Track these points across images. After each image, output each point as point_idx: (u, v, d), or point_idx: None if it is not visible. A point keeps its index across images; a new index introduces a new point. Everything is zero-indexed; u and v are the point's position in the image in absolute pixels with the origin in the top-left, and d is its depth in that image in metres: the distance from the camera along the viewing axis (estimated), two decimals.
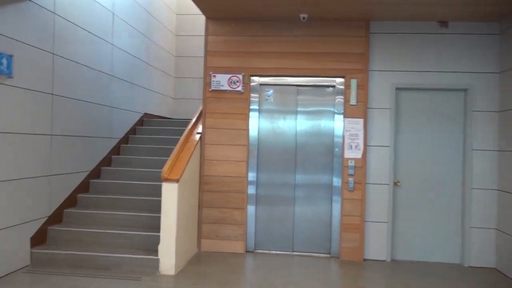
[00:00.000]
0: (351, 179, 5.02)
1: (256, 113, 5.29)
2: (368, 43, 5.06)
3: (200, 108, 5.53)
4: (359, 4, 4.51)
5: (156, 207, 5.18)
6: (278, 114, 5.32)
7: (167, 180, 4.36)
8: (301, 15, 4.94)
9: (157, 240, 4.57)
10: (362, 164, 5.02)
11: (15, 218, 4.25)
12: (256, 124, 5.29)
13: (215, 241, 5.21)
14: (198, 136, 5.24)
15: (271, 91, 5.32)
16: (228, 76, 5.23)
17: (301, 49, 5.15)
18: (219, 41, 5.27)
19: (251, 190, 5.24)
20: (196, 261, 4.83)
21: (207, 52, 5.30)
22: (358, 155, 5.03)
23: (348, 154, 5.05)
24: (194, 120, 5.47)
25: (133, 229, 4.89)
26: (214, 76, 5.25)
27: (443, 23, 5.00)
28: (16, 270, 4.29)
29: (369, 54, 5.08)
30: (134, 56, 6.98)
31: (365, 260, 5.06)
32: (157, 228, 4.75)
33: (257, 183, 5.27)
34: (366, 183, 5.06)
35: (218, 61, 5.27)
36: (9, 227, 4.17)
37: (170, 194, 4.36)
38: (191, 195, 4.93)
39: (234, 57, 5.24)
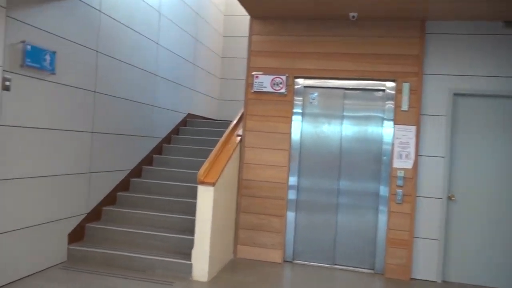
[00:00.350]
0: (399, 191, 4.65)
1: (299, 117, 5.05)
2: (423, 44, 4.68)
3: (242, 110, 5.37)
4: (415, 2, 4.15)
5: (194, 210, 5.06)
6: (323, 118, 5.04)
7: (203, 183, 4.22)
8: (351, 14, 4.64)
9: (192, 243, 4.45)
10: (412, 175, 4.64)
11: (54, 213, 4.28)
12: (299, 128, 5.04)
13: (251, 248, 5.01)
14: (238, 138, 5.08)
15: (316, 94, 5.06)
16: (271, 77, 5.03)
17: (349, 50, 4.85)
18: (263, 41, 5.09)
19: (292, 196, 5.00)
20: (231, 268, 4.65)
21: (250, 52, 5.12)
22: (409, 165, 4.65)
23: (397, 163, 4.68)
24: (235, 122, 5.31)
25: (168, 230, 4.80)
26: (257, 77, 5.06)
27: (510, 24, 4.51)
28: (53, 266, 4.31)
29: (424, 56, 4.69)
30: (180, 56, 6.95)
31: (412, 279, 4.66)
32: (193, 231, 4.63)
33: (298, 189, 5.02)
34: (416, 196, 4.66)
35: (261, 61, 5.08)
36: (48, 222, 4.20)
37: (205, 197, 4.21)
38: (228, 199, 4.77)
39: (278, 58, 5.04)
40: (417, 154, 4.66)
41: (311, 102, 5.08)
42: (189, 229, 4.81)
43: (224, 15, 8.99)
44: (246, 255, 5.03)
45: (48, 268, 4.24)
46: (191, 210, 5.11)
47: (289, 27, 5.02)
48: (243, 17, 8.80)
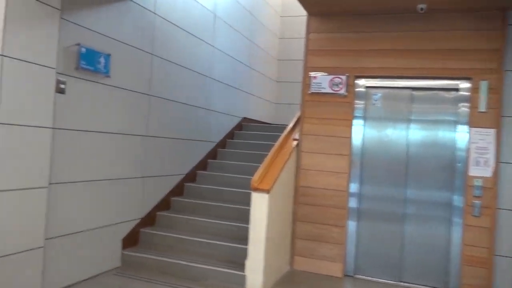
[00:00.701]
0: (476, 202, 4.13)
1: (361, 120, 4.68)
2: (504, 37, 4.14)
3: (298, 112, 5.08)
4: None
5: (247, 217, 4.84)
6: (387, 121, 4.63)
7: (257, 189, 3.98)
8: (419, 6, 4.22)
9: (246, 253, 4.22)
10: (492, 185, 4.11)
11: (109, 218, 4.24)
12: (360, 131, 4.67)
13: (309, 260, 4.69)
14: (294, 143, 4.80)
15: (379, 95, 4.67)
16: (330, 77, 4.71)
17: (417, 46, 4.42)
18: (321, 39, 4.78)
19: (353, 205, 4.63)
20: (287, 281, 4.36)
21: (307, 51, 4.84)
22: (487, 173, 4.12)
23: (474, 171, 4.17)
24: (291, 125, 5.04)
25: (222, 238, 4.62)
26: (315, 77, 4.76)
27: None
28: (107, 271, 4.26)
29: (505, 51, 4.16)
30: (235, 59, 6.81)
31: None
32: (248, 239, 4.41)
33: (359, 198, 4.64)
34: (497, 208, 4.12)
35: (319, 61, 4.78)
36: (103, 226, 4.17)
37: (259, 205, 3.97)
38: (283, 207, 4.50)
39: (337, 56, 4.71)
40: (498, 161, 4.12)
41: (374, 104, 4.69)
42: (244, 237, 4.59)
43: (280, 16, 8.77)
44: (303, 267, 4.71)
45: (102, 273, 4.20)
46: (246, 217, 4.90)
47: (349, 23, 4.68)
48: (299, 18, 8.52)
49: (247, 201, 5.18)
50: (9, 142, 3.06)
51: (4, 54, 2.97)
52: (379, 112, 4.67)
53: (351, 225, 4.63)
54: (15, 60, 3.05)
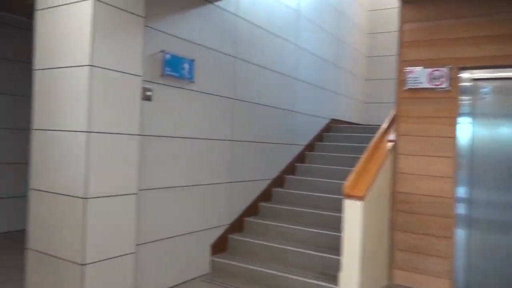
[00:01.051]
0: None
1: (468, 117, 4.11)
2: None
3: (393, 111, 4.64)
4: None
5: (339, 225, 4.52)
6: (500, 117, 4.01)
7: (350, 196, 3.65)
8: None
9: (339, 264, 3.91)
10: None
11: (197, 223, 4.21)
12: (468, 130, 4.10)
13: (411, 274, 4.22)
14: (390, 144, 4.37)
15: (489, 88, 4.06)
16: (429, 70, 4.21)
17: None
18: (417, 29, 4.30)
19: (462, 213, 4.07)
20: None
21: (401, 44, 4.39)
22: None
23: None
24: (385, 125, 4.61)
25: (313, 247, 4.36)
26: (411, 71, 4.30)
27: None
28: (196, 277, 4.23)
29: None
30: (321, 57, 6.52)
31: None
32: (339, 249, 4.10)
33: (469, 204, 4.07)
34: None
35: (415, 53, 4.30)
36: (192, 232, 4.14)
37: (353, 213, 3.64)
38: (379, 215, 4.10)
39: (436, 47, 4.20)
40: None
41: (482, 98, 4.10)
42: (336, 247, 4.28)
43: (368, 10, 8.27)
44: (405, 281, 4.25)
45: (192, 279, 4.17)
46: (338, 225, 4.58)
47: (449, 8, 4.14)
48: (389, 11, 7.96)
49: (338, 208, 4.85)
50: (100, 149, 3.12)
51: (93, 64, 3.03)
52: (489, 108, 4.07)
53: (460, 236, 4.07)
54: (103, 69, 3.11)
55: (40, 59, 3.35)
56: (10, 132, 5.60)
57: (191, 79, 3.97)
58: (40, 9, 3.35)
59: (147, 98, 3.53)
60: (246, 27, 4.80)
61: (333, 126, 6.87)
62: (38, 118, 3.35)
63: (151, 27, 3.55)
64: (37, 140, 3.36)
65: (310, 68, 6.21)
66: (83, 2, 3.06)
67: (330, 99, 6.91)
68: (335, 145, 6.22)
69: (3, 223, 5.55)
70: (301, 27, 5.94)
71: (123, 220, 3.35)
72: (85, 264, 3.06)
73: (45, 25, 3.31)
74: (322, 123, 6.66)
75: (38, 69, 3.36)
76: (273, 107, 5.35)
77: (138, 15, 3.36)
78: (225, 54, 4.48)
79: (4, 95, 5.58)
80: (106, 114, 3.15)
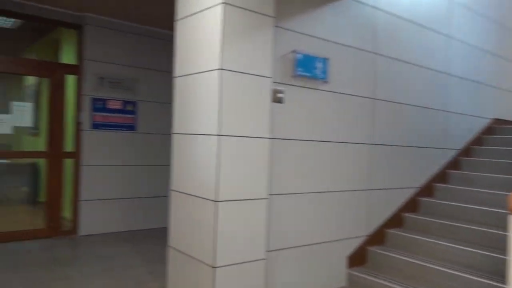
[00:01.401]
0: None
1: None
2: None
3: None
4: None
5: (503, 245, 3.76)
6: None
7: None
8: None
9: None
10: None
11: (332, 233, 3.96)
12: None
13: None
14: None
15: None
16: None
17: None
18: None
19: None
20: None
21: None
22: None
23: None
24: None
25: (470, 270, 3.70)
26: None
27: None
28: None
29: None
30: (480, 48, 5.64)
31: None
32: (504, 275, 3.38)
33: None
34: None
35: None
36: (325, 242, 3.91)
37: None
38: None
39: None
40: None
41: None
42: (499, 272, 3.55)
43: None
44: None
45: None
46: (503, 245, 3.81)
47: None
48: None
49: (502, 224, 4.06)
50: (230, 152, 3.12)
51: (223, 68, 3.04)
52: None
53: None
54: (233, 72, 3.10)
55: (178, 66, 3.53)
56: (161, 137, 6.13)
57: (324, 79, 3.74)
58: (179, 19, 3.53)
59: (278, 100, 3.43)
60: (387, 19, 4.38)
61: (496, 128, 5.87)
62: (177, 123, 3.53)
63: (281, 27, 3.45)
64: (177, 143, 3.53)
65: (466, 62, 5.41)
66: (215, 7, 3.10)
67: (492, 96, 5.94)
68: (499, 149, 5.28)
69: (159, 220, 6.08)
70: (453, 14, 5.21)
71: (253, 225, 3.29)
72: (216, 267, 3.08)
73: (183, 33, 3.47)
74: (482, 124, 5.75)
75: (177, 76, 3.54)
76: (421, 106, 4.78)
77: (268, 16, 3.29)
78: (363, 50, 4.14)
79: (156, 103, 6.15)
80: (236, 117, 3.14)
